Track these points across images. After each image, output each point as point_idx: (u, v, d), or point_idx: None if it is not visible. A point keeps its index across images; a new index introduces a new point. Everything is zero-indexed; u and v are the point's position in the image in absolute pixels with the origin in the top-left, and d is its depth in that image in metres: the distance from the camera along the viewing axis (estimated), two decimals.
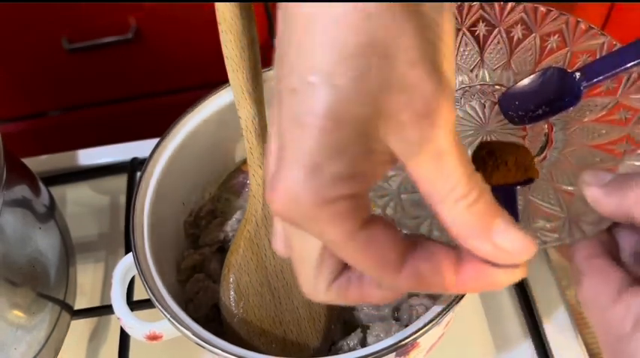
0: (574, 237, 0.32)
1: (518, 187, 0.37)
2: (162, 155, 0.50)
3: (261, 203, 0.48)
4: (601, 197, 0.30)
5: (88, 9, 0.82)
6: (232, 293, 0.46)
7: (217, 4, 0.45)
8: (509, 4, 0.42)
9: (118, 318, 0.46)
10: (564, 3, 0.92)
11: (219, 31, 0.46)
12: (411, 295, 0.48)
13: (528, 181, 0.37)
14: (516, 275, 0.28)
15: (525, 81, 0.40)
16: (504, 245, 0.26)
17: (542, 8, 0.41)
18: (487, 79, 0.42)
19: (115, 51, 0.86)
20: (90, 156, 0.73)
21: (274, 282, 0.47)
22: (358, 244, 0.26)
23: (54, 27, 0.83)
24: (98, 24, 0.83)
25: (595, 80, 0.37)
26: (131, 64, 0.90)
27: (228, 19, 0.45)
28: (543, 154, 0.38)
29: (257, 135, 0.48)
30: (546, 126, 0.39)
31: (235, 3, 0.45)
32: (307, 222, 0.25)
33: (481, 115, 0.40)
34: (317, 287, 0.29)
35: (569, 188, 0.35)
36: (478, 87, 0.42)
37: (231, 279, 0.47)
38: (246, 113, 0.48)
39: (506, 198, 0.35)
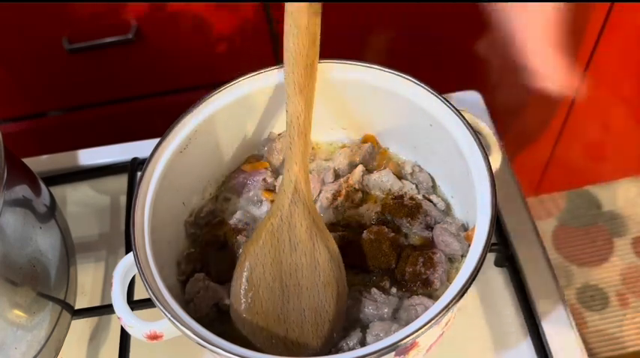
0: None
1: None
2: (163, 155, 0.50)
3: (289, 199, 0.48)
4: None
5: (88, 9, 0.82)
6: (244, 280, 0.46)
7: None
8: None
9: (119, 318, 0.46)
10: (564, 3, 0.92)
11: (285, 24, 0.46)
12: (411, 295, 0.48)
13: None
14: None
15: None
16: None
17: None
18: None
19: (115, 51, 0.86)
20: (90, 156, 0.73)
21: (287, 280, 0.46)
22: None
23: (54, 27, 0.83)
24: (98, 24, 0.83)
25: None
26: (131, 64, 0.90)
27: (294, 13, 0.45)
28: None
29: (299, 132, 0.48)
30: None
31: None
32: None
33: None
34: None
35: None
36: None
37: (246, 266, 0.47)
38: (293, 109, 0.48)
39: None
